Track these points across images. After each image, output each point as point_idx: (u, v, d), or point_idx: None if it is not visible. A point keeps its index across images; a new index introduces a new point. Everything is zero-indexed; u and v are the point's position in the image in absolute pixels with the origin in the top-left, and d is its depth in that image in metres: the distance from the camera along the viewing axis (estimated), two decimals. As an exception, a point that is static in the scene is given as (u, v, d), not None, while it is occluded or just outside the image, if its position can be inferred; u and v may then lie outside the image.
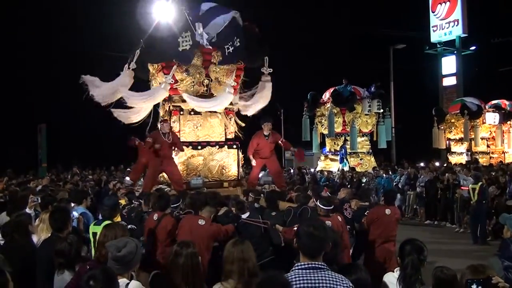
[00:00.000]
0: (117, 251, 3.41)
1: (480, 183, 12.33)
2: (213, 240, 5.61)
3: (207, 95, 10.13)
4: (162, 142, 9.33)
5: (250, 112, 10.83)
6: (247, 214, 6.28)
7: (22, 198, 7.31)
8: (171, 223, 6.01)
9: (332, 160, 22.65)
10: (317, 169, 21.72)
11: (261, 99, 10.73)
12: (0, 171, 17.26)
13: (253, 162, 10.46)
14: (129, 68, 9.51)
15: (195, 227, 5.42)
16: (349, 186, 14.21)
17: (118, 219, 8.18)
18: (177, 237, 5.56)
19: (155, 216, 6.12)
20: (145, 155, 12.47)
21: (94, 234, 5.28)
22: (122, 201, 8.60)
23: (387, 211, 6.77)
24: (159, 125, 10.01)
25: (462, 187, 13.55)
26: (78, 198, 7.38)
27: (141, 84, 10.30)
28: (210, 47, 9.79)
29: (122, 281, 3.34)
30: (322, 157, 23.81)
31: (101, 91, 9.44)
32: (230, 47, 9.66)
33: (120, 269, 3.40)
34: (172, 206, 6.62)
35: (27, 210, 6.40)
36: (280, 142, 10.60)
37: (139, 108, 9.96)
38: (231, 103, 10.34)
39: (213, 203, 6.17)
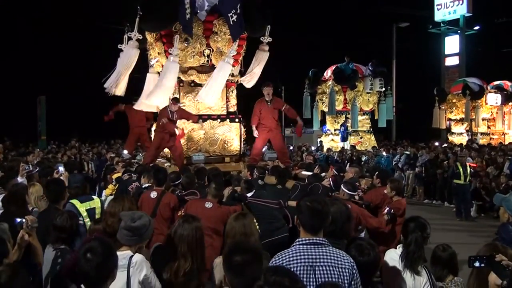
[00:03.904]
0: (132, 221, 3.34)
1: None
2: (222, 223, 5.06)
3: (208, 65, 9.64)
4: (168, 120, 9.11)
5: (250, 84, 10.26)
6: (251, 193, 5.95)
7: (11, 168, 7.22)
8: (174, 199, 5.85)
9: (333, 141, 22.52)
10: (324, 148, 21.53)
11: (257, 69, 10.13)
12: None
13: (255, 133, 9.92)
14: (131, 39, 9.01)
15: (202, 210, 5.14)
16: (348, 164, 14.15)
17: (110, 191, 8.23)
18: None
19: (153, 194, 5.86)
20: (134, 126, 12.89)
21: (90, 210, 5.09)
22: (118, 174, 8.58)
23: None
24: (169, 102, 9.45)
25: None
26: (71, 169, 7.52)
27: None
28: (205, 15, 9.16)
29: (126, 253, 3.30)
30: (324, 136, 23.73)
31: (112, 80, 9.16)
32: (233, 15, 8.75)
33: (130, 240, 3.34)
34: (172, 184, 6.44)
35: (19, 179, 6.34)
36: (283, 109, 10.09)
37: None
38: (232, 75, 9.83)
39: (217, 182, 5.88)
